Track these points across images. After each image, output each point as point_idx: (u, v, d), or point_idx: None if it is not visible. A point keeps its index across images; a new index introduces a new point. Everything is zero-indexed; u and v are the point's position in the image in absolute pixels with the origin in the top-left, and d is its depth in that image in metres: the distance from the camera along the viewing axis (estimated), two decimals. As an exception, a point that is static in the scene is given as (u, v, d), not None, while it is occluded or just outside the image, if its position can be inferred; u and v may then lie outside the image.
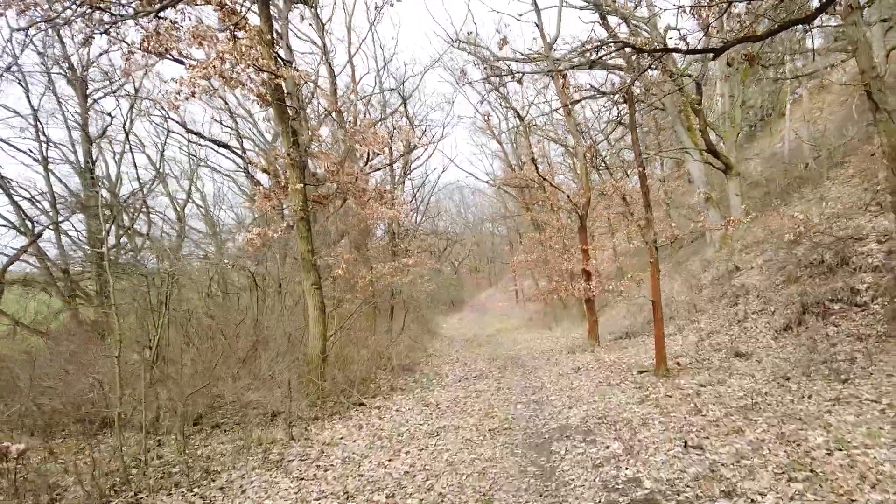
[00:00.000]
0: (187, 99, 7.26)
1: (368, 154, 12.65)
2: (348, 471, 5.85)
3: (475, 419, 7.94)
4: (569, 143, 24.12)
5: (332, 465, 6.10)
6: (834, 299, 9.95)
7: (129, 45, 7.18)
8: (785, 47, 17.44)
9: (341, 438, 7.11)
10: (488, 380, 11.59)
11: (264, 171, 9.91)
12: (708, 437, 5.47)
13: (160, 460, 6.14)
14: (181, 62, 7.42)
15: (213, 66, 6.55)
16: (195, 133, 13.99)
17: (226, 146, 13.20)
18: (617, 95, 9.39)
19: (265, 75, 7.99)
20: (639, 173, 10.11)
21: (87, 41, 8.26)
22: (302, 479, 5.73)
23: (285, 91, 8.81)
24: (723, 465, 4.73)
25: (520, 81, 7.26)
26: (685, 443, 5.37)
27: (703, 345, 11.28)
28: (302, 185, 8.74)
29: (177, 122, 14.30)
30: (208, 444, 6.85)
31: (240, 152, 14.44)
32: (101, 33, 6.81)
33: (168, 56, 7.28)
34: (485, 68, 8.02)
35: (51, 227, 14.79)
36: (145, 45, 6.83)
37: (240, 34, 7.01)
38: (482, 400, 9.40)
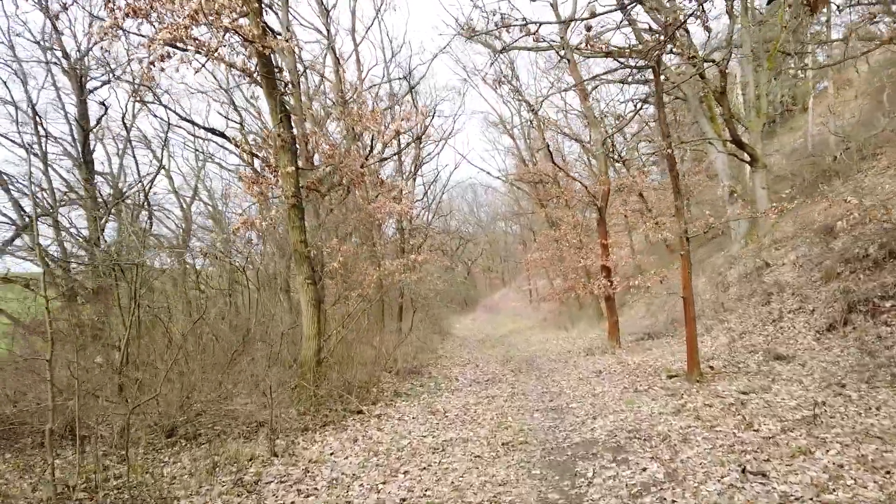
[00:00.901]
0: (162, 69, 6.43)
1: (373, 141, 11.80)
2: (333, 497, 4.88)
3: (487, 430, 7.02)
4: (583, 138, 23.21)
5: (315, 489, 5.13)
6: (885, 296, 8.93)
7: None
8: (807, 37, 16.43)
9: (331, 454, 6.18)
10: (501, 384, 10.69)
11: (253, 154, 9.04)
12: (769, 460, 4.44)
13: (118, 481, 5.25)
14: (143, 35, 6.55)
15: (184, 27, 5.72)
16: (190, 121, 13.22)
17: (223, 135, 12.38)
18: (647, 56, 8.35)
19: (252, 46, 7.16)
20: (667, 156, 9.13)
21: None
22: (277, 507, 4.81)
23: (276, 65, 7.97)
24: (797, 500, 3.71)
25: (535, 35, 6.34)
26: (743, 468, 4.34)
27: (735, 346, 10.30)
28: (294, 168, 7.87)
29: (173, 110, 13.58)
30: (178, 461, 5.94)
31: (241, 143, 13.68)
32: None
33: (137, 22, 6.40)
34: (495, 23, 7.12)
35: (41, 219, 14.21)
36: (110, 5, 6.01)
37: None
38: (494, 407, 8.49)
